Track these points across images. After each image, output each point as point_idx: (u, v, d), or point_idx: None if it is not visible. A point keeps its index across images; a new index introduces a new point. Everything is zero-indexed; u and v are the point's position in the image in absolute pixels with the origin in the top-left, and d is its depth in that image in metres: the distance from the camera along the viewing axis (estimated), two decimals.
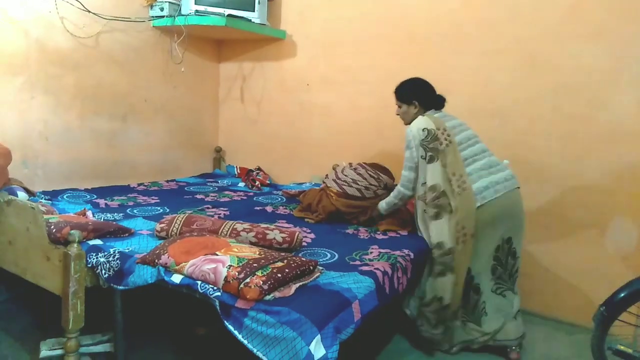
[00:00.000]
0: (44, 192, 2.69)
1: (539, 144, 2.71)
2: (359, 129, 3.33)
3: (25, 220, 1.93)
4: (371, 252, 2.06)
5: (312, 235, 2.29)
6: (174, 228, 2.02)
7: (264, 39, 3.58)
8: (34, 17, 2.70)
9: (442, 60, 2.96)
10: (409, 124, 2.32)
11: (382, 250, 2.09)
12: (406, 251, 2.10)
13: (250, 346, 1.44)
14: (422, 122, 2.24)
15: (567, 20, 2.57)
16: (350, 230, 2.42)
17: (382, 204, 2.45)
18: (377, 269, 1.84)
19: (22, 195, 2.30)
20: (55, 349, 1.88)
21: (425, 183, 2.20)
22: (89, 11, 2.91)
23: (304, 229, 2.39)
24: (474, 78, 2.88)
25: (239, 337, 1.46)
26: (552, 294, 2.73)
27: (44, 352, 1.88)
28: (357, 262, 1.93)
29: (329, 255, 2.00)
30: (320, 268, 1.77)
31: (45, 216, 1.96)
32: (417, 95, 2.35)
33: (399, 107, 2.41)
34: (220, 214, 2.56)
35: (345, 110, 3.38)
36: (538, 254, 2.75)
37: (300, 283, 1.61)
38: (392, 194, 2.41)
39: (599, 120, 2.54)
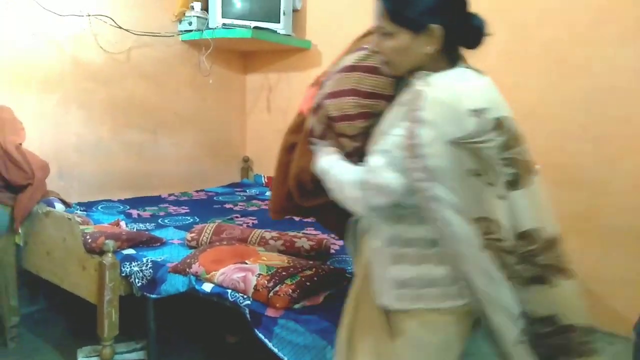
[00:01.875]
0: (79, 204, 2.77)
1: (572, 148, 2.64)
2: None
3: (62, 230, 1.99)
4: None
5: (340, 242, 2.29)
6: (204, 237, 2.05)
7: (290, 49, 3.62)
8: (69, 35, 2.81)
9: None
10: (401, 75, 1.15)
11: None
12: None
13: (280, 354, 1.45)
14: (479, 92, 1.11)
15: (597, 23, 2.51)
16: None
17: (326, 164, 1.22)
18: None
19: (59, 206, 2.38)
20: (91, 357, 1.93)
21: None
22: (121, 27, 3.01)
23: (332, 235, 2.38)
24: (501, 82, 2.83)
25: (270, 345, 1.47)
26: (590, 302, 2.64)
27: (81, 359, 1.93)
28: None
29: None
30: (349, 276, 1.77)
31: (81, 227, 2.02)
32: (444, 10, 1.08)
33: (386, 34, 1.09)
34: (248, 222, 2.59)
35: None
36: (572, 262, 2.67)
37: (329, 291, 1.61)
38: (358, 171, 1.12)
39: (633, 122, 2.46)
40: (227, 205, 3.06)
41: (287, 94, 3.77)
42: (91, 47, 2.93)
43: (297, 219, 2.73)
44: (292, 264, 1.66)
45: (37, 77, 2.69)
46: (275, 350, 1.46)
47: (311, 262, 1.73)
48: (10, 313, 2.22)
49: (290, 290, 1.49)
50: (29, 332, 2.35)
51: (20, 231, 2.19)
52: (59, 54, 2.79)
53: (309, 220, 2.70)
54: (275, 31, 3.34)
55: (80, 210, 2.63)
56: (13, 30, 2.57)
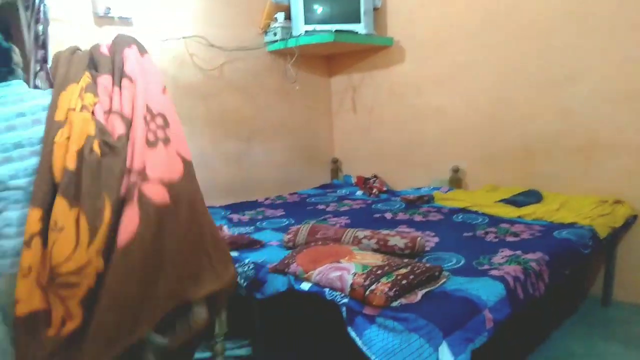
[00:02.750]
0: None
1: None
2: (477, 128, 3.19)
3: None
4: (500, 256, 1.96)
5: (436, 239, 2.24)
6: (300, 238, 2.13)
7: (372, 48, 3.62)
8: (169, 57, 3.07)
9: (566, 43, 2.72)
10: None
11: (512, 253, 1.97)
12: (540, 254, 1.95)
13: (369, 353, 1.42)
14: None
15: None
16: (477, 233, 2.32)
17: None
18: (508, 273, 1.74)
19: None
20: (205, 352, 2.09)
21: None
22: (213, 45, 3.23)
23: (427, 232, 2.35)
24: (605, 59, 2.60)
25: (359, 343, 1.47)
26: None
27: (195, 354, 2.09)
28: (486, 267, 1.84)
29: (454, 260, 1.95)
30: (446, 273, 1.73)
31: None
32: None
33: None
34: (341, 222, 2.63)
35: (461, 110, 3.26)
36: None
37: (426, 289, 1.59)
38: None
39: None
40: (320, 206, 3.14)
41: (371, 93, 3.78)
42: (188, 66, 3.17)
43: (389, 217, 2.73)
44: (386, 262, 1.66)
45: None
46: (364, 349, 1.44)
47: (406, 260, 1.72)
48: None
49: (387, 289, 1.49)
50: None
51: None
52: (163, 76, 3.05)
53: (402, 218, 2.69)
54: (357, 32, 3.36)
55: None
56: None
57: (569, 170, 2.80)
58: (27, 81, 2.50)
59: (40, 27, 2.39)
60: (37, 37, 2.40)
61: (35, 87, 2.53)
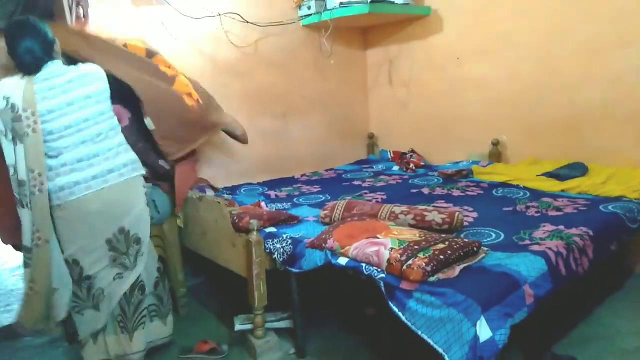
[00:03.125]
0: (225, 188, 3.08)
1: None
2: (519, 99, 3.07)
3: (213, 213, 2.24)
4: (542, 231, 1.91)
5: (474, 215, 2.21)
6: (336, 214, 2.14)
7: (409, 18, 3.52)
8: (205, 35, 3.10)
9: (617, 6, 2.55)
10: None
11: (554, 228, 1.92)
12: (584, 229, 1.89)
13: (414, 328, 1.46)
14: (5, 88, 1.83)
15: None
16: (517, 207, 2.27)
17: None
18: (550, 248, 1.70)
19: (209, 192, 2.67)
20: (246, 324, 2.16)
21: (9, 164, 1.84)
22: (247, 22, 3.22)
23: (465, 207, 2.31)
24: None
25: (403, 318, 1.50)
26: None
27: (237, 326, 2.18)
28: (527, 242, 1.81)
29: (493, 235, 1.92)
30: (485, 249, 1.71)
31: (228, 209, 2.25)
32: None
33: None
34: (377, 198, 2.63)
35: (503, 80, 3.14)
36: None
37: (465, 264, 1.57)
38: None
39: None
40: (356, 182, 3.14)
41: (408, 65, 3.69)
42: (223, 43, 3.19)
43: (426, 192, 2.70)
44: (423, 237, 1.66)
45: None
46: (409, 323, 1.48)
47: (443, 235, 1.71)
48: (178, 285, 2.59)
49: (424, 264, 1.49)
50: (195, 302, 2.71)
51: (180, 214, 2.52)
52: (198, 53, 3.09)
53: (440, 192, 2.66)
54: (393, 1, 3.27)
55: (227, 194, 2.93)
56: (159, 36, 2.91)
57: (617, 142, 2.67)
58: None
59: (81, 10, 2.46)
60: (78, 18, 2.47)
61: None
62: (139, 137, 2.30)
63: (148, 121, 2.26)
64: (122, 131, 2.04)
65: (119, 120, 2.07)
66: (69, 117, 1.85)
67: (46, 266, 1.85)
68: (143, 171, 2.05)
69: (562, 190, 2.48)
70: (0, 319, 2.68)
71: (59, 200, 1.85)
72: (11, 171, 1.84)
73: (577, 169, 2.63)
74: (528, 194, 2.51)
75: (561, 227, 1.93)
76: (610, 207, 2.16)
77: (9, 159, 1.83)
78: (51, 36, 1.90)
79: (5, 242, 2.08)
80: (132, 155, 2.01)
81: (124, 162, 1.95)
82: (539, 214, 2.15)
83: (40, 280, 1.86)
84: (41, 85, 1.84)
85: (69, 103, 1.86)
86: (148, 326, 2.09)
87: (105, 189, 1.89)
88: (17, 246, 2.00)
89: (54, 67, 1.89)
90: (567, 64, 2.81)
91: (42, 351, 2.26)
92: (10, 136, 1.82)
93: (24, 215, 1.84)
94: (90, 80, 1.92)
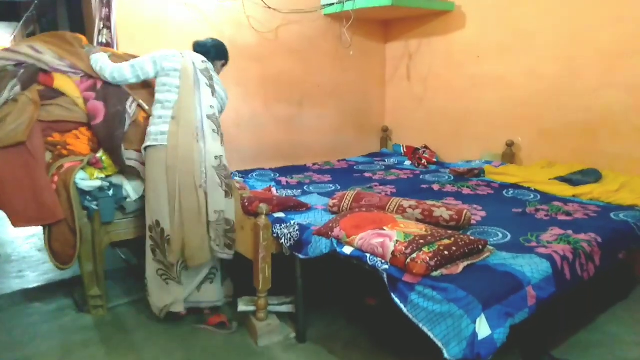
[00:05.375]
0: (238, 172, 3.11)
1: None
2: (537, 100, 3.05)
3: None
4: (550, 234, 1.91)
5: (483, 214, 2.21)
6: (345, 204, 2.16)
7: (431, 13, 3.50)
8: (227, 18, 3.11)
9: None
10: None
11: (563, 232, 1.92)
12: (592, 235, 1.88)
13: (415, 320, 1.48)
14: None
15: None
16: (527, 209, 2.26)
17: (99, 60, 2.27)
18: (556, 252, 1.70)
19: None
20: (249, 306, 2.20)
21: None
22: (270, 7, 3.22)
23: (475, 206, 2.31)
24: None
25: (405, 310, 1.51)
26: None
27: (241, 307, 2.21)
28: (533, 244, 1.81)
29: (500, 235, 1.92)
30: (491, 248, 1.71)
31: (240, 192, 2.28)
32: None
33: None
34: (387, 191, 2.63)
35: (522, 80, 3.12)
36: None
37: (469, 262, 1.58)
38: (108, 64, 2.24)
39: None
40: (367, 174, 3.15)
41: (428, 61, 3.67)
42: (245, 28, 3.20)
43: (436, 188, 2.70)
44: (429, 232, 1.67)
45: None
46: (410, 315, 1.49)
47: (450, 231, 1.72)
48: None
49: (428, 258, 1.50)
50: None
51: None
52: (220, 37, 3.09)
53: (450, 190, 2.66)
54: None
55: (239, 177, 2.96)
56: (180, 17, 2.93)
57: (635, 150, 2.63)
58: (91, 38, 2.65)
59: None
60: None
61: (100, 43, 2.65)
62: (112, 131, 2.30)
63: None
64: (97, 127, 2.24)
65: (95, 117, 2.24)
66: None
67: None
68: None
69: (574, 196, 2.47)
70: (12, 284, 2.75)
71: None
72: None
73: (591, 175, 2.61)
74: (539, 197, 2.49)
75: (570, 231, 1.92)
76: (621, 215, 2.15)
77: None
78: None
79: (15, 225, 2.15)
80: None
81: None
82: (548, 218, 2.14)
83: None
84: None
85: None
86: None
87: None
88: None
89: None
90: (588, 68, 2.78)
91: (51, 318, 2.32)
92: None
93: None
94: (224, 95, 2.38)
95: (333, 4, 3.40)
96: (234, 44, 3.16)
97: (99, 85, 2.28)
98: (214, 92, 2.21)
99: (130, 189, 2.32)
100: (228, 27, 3.13)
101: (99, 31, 2.67)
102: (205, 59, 2.27)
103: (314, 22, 3.51)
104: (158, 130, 2.11)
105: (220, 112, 2.30)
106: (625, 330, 2.16)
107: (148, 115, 2.26)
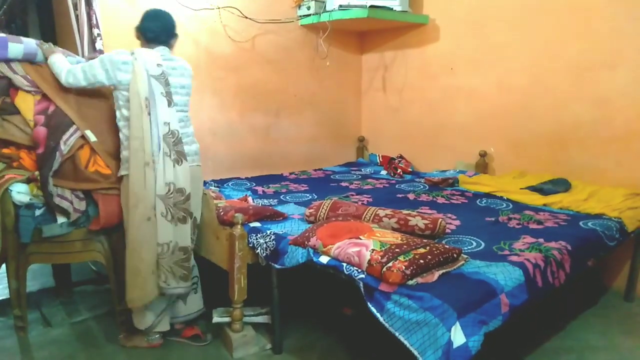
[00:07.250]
0: (214, 181, 3.08)
1: None
2: (508, 112, 3.12)
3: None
4: (521, 242, 1.94)
5: (457, 222, 2.24)
6: (321, 213, 2.16)
7: (406, 26, 3.56)
8: (203, 27, 3.10)
9: (610, 26, 2.61)
10: None
11: (534, 240, 1.96)
12: (563, 243, 1.93)
13: (391, 329, 1.48)
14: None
15: None
16: (500, 218, 2.30)
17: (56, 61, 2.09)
18: (528, 260, 1.73)
19: None
20: (224, 317, 2.16)
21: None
22: (246, 17, 3.23)
23: (449, 215, 2.34)
24: None
25: (381, 319, 1.51)
26: None
27: (215, 319, 2.17)
28: (506, 252, 1.84)
29: (474, 244, 1.94)
30: (465, 256, 1.74)
31: (215, 201, 2.25)
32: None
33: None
34: (363, 200, 2.65)
35: (493, 92, 3.19)
36: None
37: (444, 270, 1.60)
38: (67, 66, 2.06)
39: None
40: (343, 184, 3.16)
41: (403, 72, 3.73)
42: (221, 37, 3.19)
43: (411, 197, 2.73)
44: (405, 241, 1.68)
45: None
46: (386, 324, 1.49)
47: (425, 240, 1.73)
48: None
49: (404, 267, 1.51)
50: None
51: None
52: (195, 46, 3.09)
53: (425, 199, 2.68)
54: (392, 8, 3.30)
55: (214, 187, 2.93)
56: None
57: (602, 161, 2.72)
58: (74, 46, 2.59)
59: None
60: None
61: (99, 51, 2.61)
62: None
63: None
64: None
65: (38, 146, 2.05)
66: None
67: None
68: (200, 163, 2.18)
69: (545, 205, 2.52)
70: None
71: None
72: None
73: (561, 185, 2.68)
74: (511, 205, 2.55)
75: (541, 240, 1.96)
76: (590, 223, 2.21)
77: None
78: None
79: None
80: (196, 147, 2.17)
81: (194, 150, 2.15)
82: (520, 226, 2.18)
83: None
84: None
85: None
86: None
87: None
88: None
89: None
90: (557, 81, 2.87)
91: (14, 333, 2.23)
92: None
93: None
94: (188, 73, 2.14)
95: (310, 14, 3.42)
96: (210, 53, 3.15)
97: (51, 109, 2.09)
98: (170, 101, 1.99)
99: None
100: (204, 36, 3.12)
101: (94, 38, 2.60)
102: (160, 59, 2.01)
103: (291, 32, 3.53)
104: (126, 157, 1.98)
105: (188, 96, 2.16)
106: (594, 336, 2.21)
107: (92, 148, 2.08)
